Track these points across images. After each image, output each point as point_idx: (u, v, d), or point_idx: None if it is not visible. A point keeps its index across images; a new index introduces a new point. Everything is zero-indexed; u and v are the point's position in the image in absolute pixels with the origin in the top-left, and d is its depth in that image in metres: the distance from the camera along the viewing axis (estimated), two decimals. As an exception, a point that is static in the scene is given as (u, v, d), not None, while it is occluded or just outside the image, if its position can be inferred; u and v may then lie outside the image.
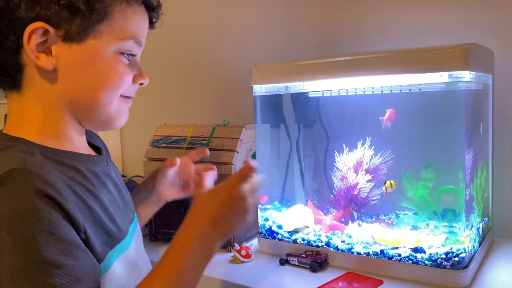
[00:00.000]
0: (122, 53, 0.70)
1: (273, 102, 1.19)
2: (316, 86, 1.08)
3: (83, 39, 0.66)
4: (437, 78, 0.85)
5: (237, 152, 1.35)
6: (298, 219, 1.09)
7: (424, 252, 0.91)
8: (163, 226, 1.22)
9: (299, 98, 1.19)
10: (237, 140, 1.37)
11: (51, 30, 0.64)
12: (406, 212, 1.14)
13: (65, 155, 0.68)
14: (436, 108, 1.00)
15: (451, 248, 0.88)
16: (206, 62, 1.70)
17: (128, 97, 0.76)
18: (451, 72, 0.83)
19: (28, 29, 0.63)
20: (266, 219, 1.14)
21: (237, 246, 1.04)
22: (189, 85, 1.71)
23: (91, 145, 0.82)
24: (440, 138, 0.99)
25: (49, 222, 0.56)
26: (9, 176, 0.56)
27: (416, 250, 0.92)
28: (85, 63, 0.67)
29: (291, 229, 1.08)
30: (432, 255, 0.89)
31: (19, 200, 0.55)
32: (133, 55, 0.73)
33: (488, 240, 1.06)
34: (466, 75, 0.84)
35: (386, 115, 1.05)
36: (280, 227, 1.11)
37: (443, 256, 0.88)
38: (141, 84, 0.76)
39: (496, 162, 1.13)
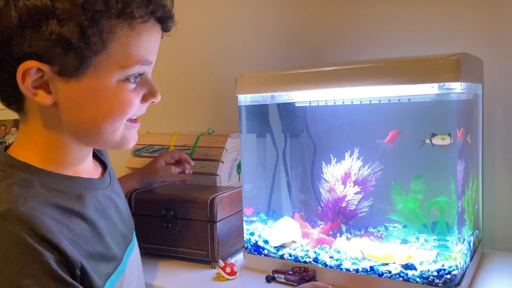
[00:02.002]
0: (126, 79, 0.66)
1: (259, 112, 1.15)
2: (303, 96, 1.04)
3: (81, 74, 0.62)
4: (427, 90, 0.82)
5: (222, 162, 1.31)
6: (285, 234, 1.05)
7: (415, 269, 0.87)
8: (143, 240, 1.17)
9: (286, 108, 1.15)
10: (222, 149, 1.33)
11: (44, 67, 0.61)
12: (395, 225, 1.11)
13: (66, 182, 0.67)
14: (426, 118, 0.97)
15: (443, 265, 0.85)
16: (191, 69, 1.65)
17: (135, 120, 0.72)
18: (442, 83, 0.80)
19: (20, 70, 0.60)
20: (252, 233, 1.10)
21: (221, 263, 1.00)
22: (173, 92, 1.67)
23: (97, 158, 0.82)
24: (431, 149, 0.96)
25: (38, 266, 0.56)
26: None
27: (407, 266, 0.89)
28: (85, 97, 0.64)
29: (277, 244, 1.05)
30: (423, 272, 0.86)
31: (3, 245, 0.55)
32: (141, 74, 0.68)
33: (479, 253, 1.04)
34: (457, 86, 0.81)
35: (388, 138, 1.02)
36: (266, 242, 1.07)
37: (435, 273, 0.85)
38: (152, 102, 0.72)
39: (486, 173, 1.11)
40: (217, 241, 1.03)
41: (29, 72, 0.60)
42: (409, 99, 0.97)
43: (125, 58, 0.63)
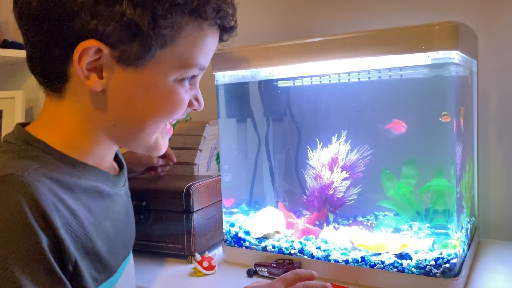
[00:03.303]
0: (182, 79, 0.62)
1: (238, 93, 1.07)
2: (285, 72, 0.96)
3: (141, 64, 0.58)
4: (422, 60, 0.74)
5: (200, 151, 1.22)
6: (268, 224, 0.97)
7: (411, 259, 0.80)
8: None
9: (268, 88, 1.07)
10: (200, 137, 1.24)
11: (105, 50, 0.56)
12: (386, 213, 1.03)
13: (83, 169, 0.62)
14: (420, 96, 0.90)
15: (441, 253, 0.78)
16: None
17: (170, 128, 0.70)
18: (439, 53, 0.72)
19: (80, 47, 0.55)
20: (232, 225, 1.01)
21: (198, 257, 0.91)
22: None
23: (116, 159, 0.76)
24: (424, 130, 0.89)
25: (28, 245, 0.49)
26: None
27: (402, 256, 0.81)
28: (139, 90, 0.60)
29: (260, 235, 0.96)
30: (419, 261, 0.79)
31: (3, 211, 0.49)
32: (193, 78, 0.65)
33: (475, 242, 0.97)
34: (455, 56, 0.74)
35: (391, 124, 0.94)
36: (247, 233, 0.98)
37: (432, 262, 0.77)
38: (195, 109, 0.68)
39: (481, 157, 1.05)
40: (194, 233, 0.95)
41: (87, 52, 0.55)
42: (401, 75, 0.90)
43: (188, 58, 0.60)
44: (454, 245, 0.78)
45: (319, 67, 0.90)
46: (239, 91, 1.06)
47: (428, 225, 0.94)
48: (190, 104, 0.66)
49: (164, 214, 0.98)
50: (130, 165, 1.10)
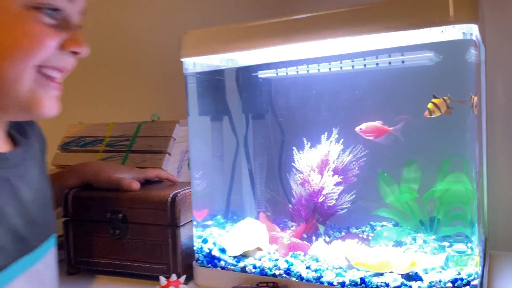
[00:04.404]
0: (38, 9, 0.54)
1: (212, 85, 0.92)
2: (268, 57, 0.82)
3: None
4: (436, 36, 0.61)
5: (169, 154, 1.06)
6: (247, 239, 0.82)
7: (421, 280, 0.66)
8: (83, 253, 0.91)
9: (247, 80, 0.93)
10: (168, 138, 1.09)
11: None
12: (384, 223, 0.90)
13: None
14: (429, 84, 0.76)
15: (459, 273, 0.64)
16: (127, 43, 1.39)
17: (53, 78, 0.59)
18: (456, 27, 0.59)
19: None
20: (205, 241, 0.85)
21: (163, 281, 0.75)
22: (108, 74, 1.43)
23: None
24: (432, 126, 0.76)
25: None
26: None
27: (410, 277, 0.67)
28: None
29: (238, 253, 0.81)
30: (432, 283, 0.64)
31: None
32: (57, 10, 0.56)
33: (487, 256, 0.84)
34: (474, 32, 0.61)
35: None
36: (223, 250, 0.82)
37: (449, 285, 0.63)
38: (75, 53, 0.59)
39: (488, 157, 0.92)
40: (181, 251, 0.83)
41: None
42: (403, 61, 0.76)
43: None
44: (476, 262, 0.64)
45: (306, 50, 0.75)
46: (213, 82, 0.92)
47: (433, 237, 0.81)
48: (65, 45, 0.57)
49: (144, 228, 0.86)
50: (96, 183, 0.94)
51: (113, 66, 1.44)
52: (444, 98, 0.72)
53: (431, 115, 0.73)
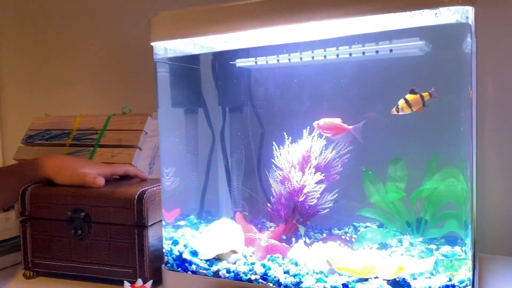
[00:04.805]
0: None
1: (186, 73, 0.85)
2: (246, 42, 0.75)
3: None
4: (429, 19, 0.55)
5: (140, 149, 0.99)
6: (221, 241, 0.75)
7: (409, 286, 0.60)
8: (41, 255, 0.83)
9: (224, 69, 0.86)
10: (139, 132, 1.02)
11: None
12: (367, 224, 0.84)
13: None
14: (420, 74, 0.71)
15: (450, 280, 0.59)
16: (97, 31, 1.31)
17: None
18: (451, 9, 0.54)
19: None
20: (175, 242, 0.78)
21: (127, 286, 0.68)
22: (77, 64, 1.35)
23: None
24: (421, 120, 0.70)
25: None
26: None
27: (396, 283, 0.61)
28: None
29: (210, 257, 0.74)
30: (421, 290, 0.59)
31: None
32: None
33: (476, 259, 0.79)
34: (470, 16, 0.55)
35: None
36: (195, 253, 0.76)
37: (439, 291, 0.58)
38: None
39: (478, 157, 0.88)
40: (148, 254, 0.78)
41: None
42: (391, 50, 0.71)
43: None
44: (468, 267, 0.59)
45: (287, 35, 0.69)
46: (186, 71, 0.85)
47: (420, 239, 0.76)
48: None
49: (109, 228, 0.80)
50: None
51: (82, 54, 1.35)
52: (422, 94, 0.69)
53: (398, 113, 0.69)
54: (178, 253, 0.76)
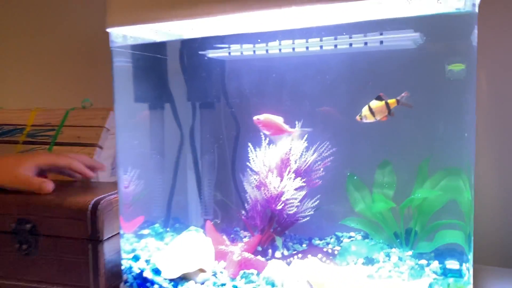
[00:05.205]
0: None
1: (149, 64, 0.75)
2: (218, 30, 0.66)
3: None
4: (430, 7, 0.47)
5: (100, 148, 0.89)
6: (188, 258, 0.66)
7: (401, 314, 0.53)
8: None
9: (194, 60, 0.76)
10: (100, 129, 0.92)
11: None
12: (351, 234, 0.77)
13: None
14: (416, 68, 0.63)
15: (448, 307, 0.52)
16: (54, 16, 1.21)
17: None
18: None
19: None
20: (136, 258, 0.69)
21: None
22: (33, 54, 1.25)
23: None
24: (415, 121, 0.63)
25: None
26: None
27: (387, 310, 0.54)
28: None
29: (175, 276, 0.65)
30: (415, 320, 0.52)
31: None
32: None
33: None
34: (476, 1, 0.47)
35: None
36: (158, 271, 0.66)
37: (436, 322, 0.51)
38: None
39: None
40: (104, 271, 0.68)
41: None
42: (381, 42, 0.63)
43: None
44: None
45: (265, 23, 0.60)
46: (150, 62, 0.75)
47: (410, 252, 0.68)
48: None
49: (59, 242, 0.71)
50: None
51: (37, 41, 1.24)
52: (388, 101, 0.64)
53: (361, 120, 0.65)
54: (139, 271, 0.67)
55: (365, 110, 0.65)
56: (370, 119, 0.65)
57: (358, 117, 0.66)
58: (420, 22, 0.56)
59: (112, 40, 0.67)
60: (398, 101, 0.63)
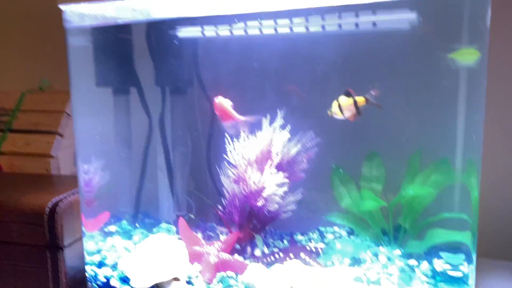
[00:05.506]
0: None
1: (112, 45, 0.66)
2: (188, 7, 0.57)
3: None
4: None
5: (61, 136, 0.80)
6: (160, 266, 0.60)
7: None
8: None
9: (163, 40, 0.68)
10: (60, 114, 0.83)
11: None
12: (335, 229, 0.72)
13: None
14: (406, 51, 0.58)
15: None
16: None
17: None
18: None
19: None
20: (101, 264, 0.62)
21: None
22: None
23: None
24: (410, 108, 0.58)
25: None
26: None
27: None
28: None
29: (146, 286, 0.59)
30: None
31: None
32: None
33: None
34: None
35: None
36: (126, 280, 0.60)
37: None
38: None
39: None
40: (66, 281, 0.62)
41: None
42: (374, 23, 0.56)
43: None
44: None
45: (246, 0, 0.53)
46: (111, 41, 0.65)
47: (399, 251, 0.64)
48: None
49: (13, 250, 0.63)
50: None
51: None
52: (357, 99, 0.58)
53: (332, 116, 0.61)
54: (105, 280, 0.60)
55: (334, 106, 0.59)
56: (339, 116, 0.60)
57: (329, 112, 0.60)
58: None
59: (66, 19, 0.57)
60: (367, 100, 0.57)
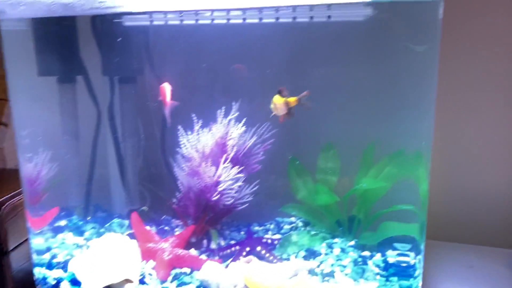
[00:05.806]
0: None
1: (53, 32, 0.61)
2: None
3: None
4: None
5: (5, 126, 0.75)
6: (111, 267, 0.58)
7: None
8: None
9: (109, 26, 0.64)
10: (3, 102, 0.77)
11: None
12: (292, 220, 0.73)
13: None
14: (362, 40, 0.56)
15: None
16: None
17: None
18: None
19: None
20: (51, 266, 0.60)
21: None
22: None
23: None
24: (358, 97, 0.57)
25: None
26: None
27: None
28: None
29: (96, 288, 0.57)
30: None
31: None
32: None
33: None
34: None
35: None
36: (76, 282, 0.58)
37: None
38: None
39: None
40: (13, 286, 0.60)
41: None
42: (329, 17, 0.54)
43: None
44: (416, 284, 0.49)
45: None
46: (54, 28, 0.60)
47: (352, 242, 0.65)
48: None
49: None
50: None
51: None
52: (289, 99, 0.58)
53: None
54: (54, 282, 0.58)
55: (272, 105, 0.58)
56: (279, 113, 0.59)
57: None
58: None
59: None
60: (298, 100, 0.56)
